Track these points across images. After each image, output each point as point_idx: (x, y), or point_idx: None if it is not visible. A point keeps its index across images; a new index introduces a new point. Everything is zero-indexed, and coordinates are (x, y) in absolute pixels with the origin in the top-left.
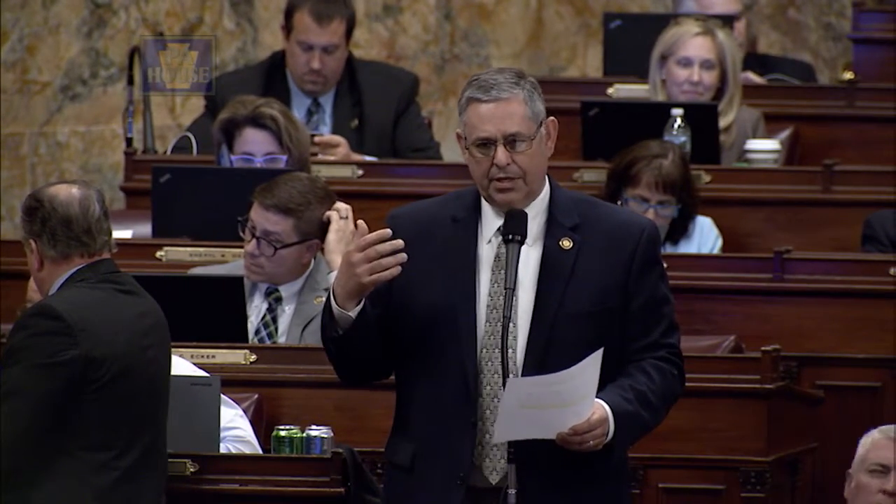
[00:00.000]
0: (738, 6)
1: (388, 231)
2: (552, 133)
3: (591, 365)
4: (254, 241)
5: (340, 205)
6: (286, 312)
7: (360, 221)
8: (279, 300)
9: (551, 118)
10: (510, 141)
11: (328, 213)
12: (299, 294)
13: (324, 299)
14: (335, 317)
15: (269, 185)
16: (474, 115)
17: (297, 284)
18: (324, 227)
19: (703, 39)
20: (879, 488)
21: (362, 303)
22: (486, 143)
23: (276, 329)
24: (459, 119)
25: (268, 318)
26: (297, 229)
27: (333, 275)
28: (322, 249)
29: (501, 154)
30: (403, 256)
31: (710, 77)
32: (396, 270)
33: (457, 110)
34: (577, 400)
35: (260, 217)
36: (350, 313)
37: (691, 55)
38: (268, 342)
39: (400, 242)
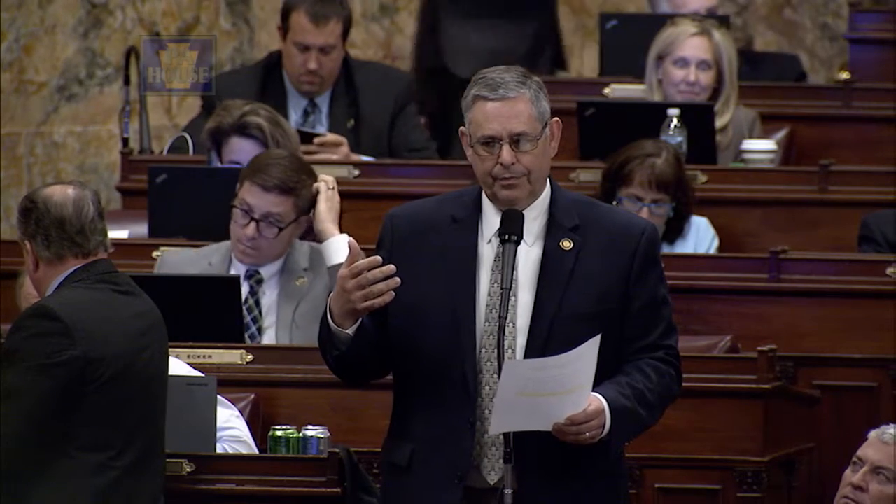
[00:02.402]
0: (712, 1)
1: (379, 258)
2: (556, 133)
3: (589, 350)
4: (252, 224)
5: (326, 176)
6: (267, 294)
7: (351, 240)
8: (260, 282)
9: (555, 118)
10: (515, 140)
11: (315, 184)
12: (280, 275)
13: (305, 280)
14: (333, 334)
15: (256, 166)
16: (480, 113)
17: (277, 265)
18: (313, 199)
19: (700, 40)
20: (849, 480)
21: (359, 320)
22: (492, 142)
23: (261, 312)
24: (464, 116)
25: (251, 301)
26: (296, 207)
27: (328, 244)
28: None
29: (507, 153)
30: (397, 281)
31: (706, 77)
32: (390, 296)
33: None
34: (575, 387)
35: (259, 199)
36: (348, 331)
37: (688, 55)
38: (252, 327)
39: (391, 268)
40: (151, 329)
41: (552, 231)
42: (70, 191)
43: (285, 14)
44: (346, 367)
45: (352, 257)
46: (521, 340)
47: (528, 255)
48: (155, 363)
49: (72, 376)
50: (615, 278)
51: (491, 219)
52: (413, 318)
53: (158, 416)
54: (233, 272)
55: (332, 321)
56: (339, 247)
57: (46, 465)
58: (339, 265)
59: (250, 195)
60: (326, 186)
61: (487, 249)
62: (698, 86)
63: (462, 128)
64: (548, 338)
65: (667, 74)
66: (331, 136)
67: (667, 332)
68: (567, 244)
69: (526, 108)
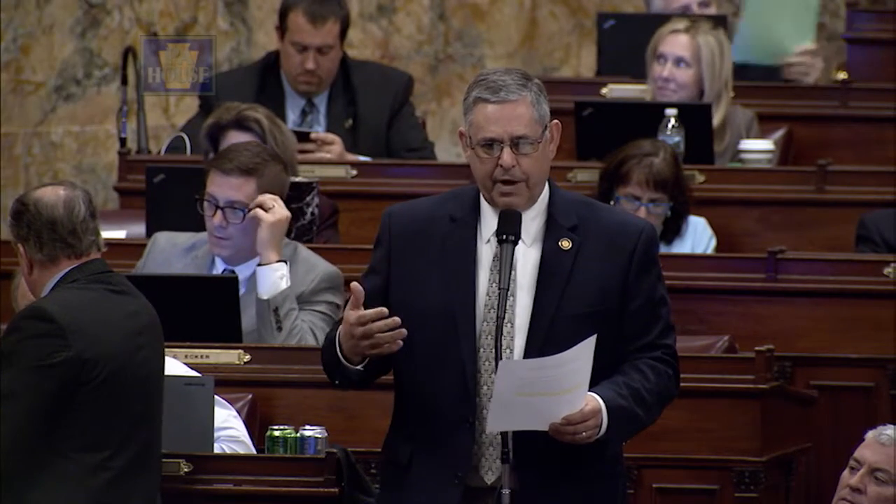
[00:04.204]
0: None
1: (385, 310)
2: (556, 136)
3: (585, 350)
4: (219, 212)
5: (264, 197)
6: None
7: (355, 285)
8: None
9: (555, 121)
10: (516, 143)
11: (255, 210)
12: (247, 282)
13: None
14: (343, 365)
15: (220, 154)
16: (481, 116)
17: (251, 267)
18: (282, 184)
19: (681, 37)
20: (847, 482)
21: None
22: (492, 144)
23: None
24: (464, 118)
25: None
26: (261, 189)
27: (259, 273)
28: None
29: (507, 156)
30: (403, 332)
31: (683, 75)
32: (398, 345)
33: (453, 110)
34: (571, 387)
35: (222, 186)
36: (358, 367)
37: (666, 52)
38: None
39: (397, 320)
40: (147, 329)
41: (551, 231)
42: (61, 191)
43: (283, 14)
44: (350, 388)
45: (355, 302)
46: (520, 340)
47: (527, 255)
48: (151, 363)
49: (67, 377)
50: (614, 278)
51: (489, 219)
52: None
53: (155, 416)
54: (214, 272)
55: (342, 354)
56: (267, 277)
57: (42, 467)
58: (264, 301)
59: (213, 185)
60: (264, 210)
61: (486, 249)
62: (674, 82)
63: (461, 128)
64: (546, 338)
65: (650, 71)
66: (324, 134)
67: (665, 332)
68: (566, 244)
69: (527, 111)
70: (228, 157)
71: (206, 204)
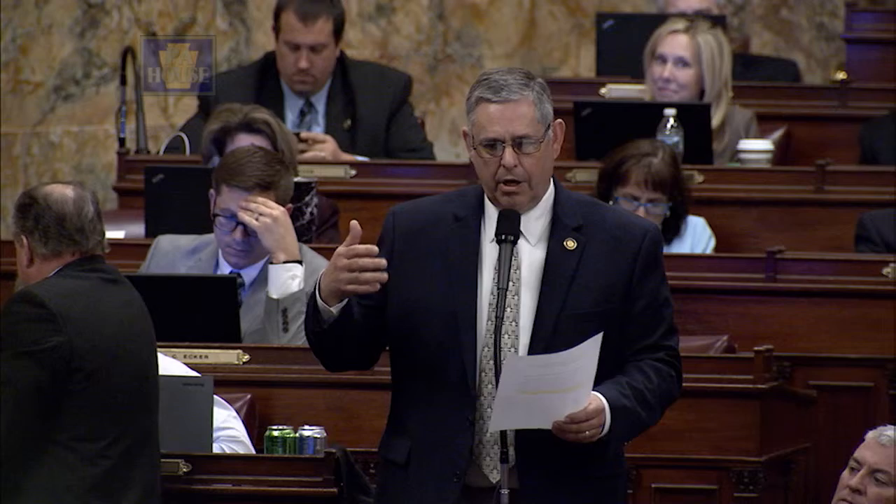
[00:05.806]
0: (704, 3)
1: (375, 248)
2: (559, 135)
3: (591, 349)
4: (239, 228)
5: (248, 214)
6: (242, 302)
7: (353, 222)
8: (241, 286)
9: (559, 120)
10: (518, 143)
11: (247, 220)
12: (255, 282)
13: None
14: (318, 309)
15: (230, 167)
16: (483, 116)
17: (256, 270)
18: (291, 190)
19: (680, 37)
20: (847, 483)
21: (346, 301)
22: (494, 144)
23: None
24: (467, 117)
25: None
26: (277, 200)
27: (270, 271)
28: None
29: (509, 156)
30: (384, 276)
31: (683, 75)
32: (374, 287)
33: (452, 110)
34: (576, 385)
35: (241, 202)
36: (332, 309)
37: (665, 52)
38: None
39: (382, 262)
40: (138, 318)
41: (556, 231)
42: (69, 190)
43: (276, 14)
44: (324, 347)
45: (352, 239)
46: (524, 340)
47: (532, 254)
48: (145, 352)
49: (59, 363)
50: (618, 278)
51: (493, 218)
52: (414, 317)
53: (152, 405)
54: (218, 272)
55: (319, 296)
56: (278, 275)
57: (39, 455)
58: (274, 300)
59: (232, 201)
60: (253, 218)
61: (490, 249)
62: (675, 83)
63: (465, 128)
64: (551, 337)
65: (650, 72)
66: (314, 133)
67: (668, 334)
68: (571, 244)
69: (529, 111)
70: (245, 173)
71: (223, 220)
